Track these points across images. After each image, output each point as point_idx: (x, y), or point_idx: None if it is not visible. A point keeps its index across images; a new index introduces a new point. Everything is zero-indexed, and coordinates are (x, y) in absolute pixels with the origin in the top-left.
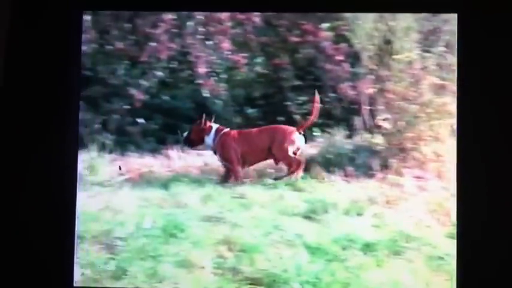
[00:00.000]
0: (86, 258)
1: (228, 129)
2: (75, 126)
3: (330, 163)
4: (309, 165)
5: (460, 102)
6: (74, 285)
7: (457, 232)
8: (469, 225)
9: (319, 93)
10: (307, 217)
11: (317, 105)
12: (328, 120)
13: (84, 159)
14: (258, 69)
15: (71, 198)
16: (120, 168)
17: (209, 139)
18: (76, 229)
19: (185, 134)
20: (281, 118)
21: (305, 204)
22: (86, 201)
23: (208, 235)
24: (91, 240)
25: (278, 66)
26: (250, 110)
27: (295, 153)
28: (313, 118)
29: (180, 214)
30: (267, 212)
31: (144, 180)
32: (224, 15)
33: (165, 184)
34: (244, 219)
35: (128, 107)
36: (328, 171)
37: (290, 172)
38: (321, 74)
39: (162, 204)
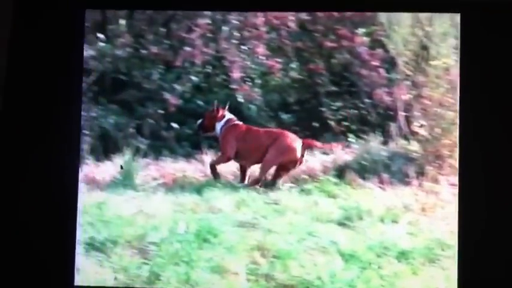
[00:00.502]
0: (119, 263)
1: (240, 122)
2: (77, 126)
3: (365, 170)
4: (343, 171)
5: (461, 101)
6: (75, 284)
7: (459, 233)
8: (470, 228)
9: (355, 98)
10: (341, 224)
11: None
12: (364, 126)
13: (118, 163)
14: (293, 74)
15: (72, 199)
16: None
17: (219, 127)
18: (109, 233)
19: (199, 120)
20: (316, 124)
21: (340, 210)
22: (119, 206)
23: (242, 241)
24: (124, 244)
25: (313, 72)
26: (284, 116)
27: (301, 162)
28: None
29: (213, 219)
30: (301, 218)
31: (177, 185)
32: (259, 20)
33: (198, 189)
34: (278, 225)
35: (162, 111)
36: (363, 177)
37: (255, 181)
38: (356, 79)
39: (195, 209)
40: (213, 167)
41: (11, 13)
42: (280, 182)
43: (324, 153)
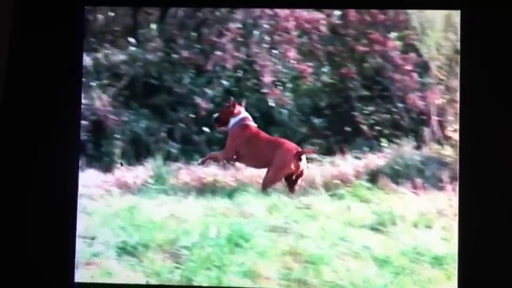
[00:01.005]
0: (151, 267)
1: (252, 124)
2: (76, 126)
3: (398, 175)
4: (376, 176)
5: (462, 100)
6: (75, 281)
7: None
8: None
9: (387, 103)
10: (374, 229)
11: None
12: (396, 131)
13: (150, 167)
14: (325, 78)
15: (72, 198)
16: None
17: (232, 122)
18: (141, 237)
19: (216, 114)
20: (348, 128)
21: (372, 215)
22: (151, 210)
23: (274, 245)
24: (156, 249)
25: (345, 76)
26: (316, 120)
27: (293, 179)
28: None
29: (245, 224)
30: (333, 223)
31: (209, 189)
32: (290, 24)
33: (230, 193)
34: (310, 230)
35: (193, 115)
36: (396, 182)
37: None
38: (388, 83)
39: (227, 213)
40: (209, 157)
41: (11, 11)
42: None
43: (356, 157)
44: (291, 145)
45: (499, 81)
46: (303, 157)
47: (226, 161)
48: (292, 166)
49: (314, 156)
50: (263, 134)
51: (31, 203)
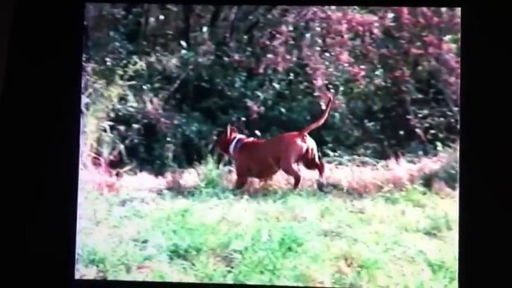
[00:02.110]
0: (204, 270)
1: (247, 140)
2: (77, 125)
3: (453, 179)
4: (431, 180)
5: (463, 99)
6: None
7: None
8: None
9: (442, 106)
10: (429, 233)
11: (328, 110)
12: (451, 134)
13: (201, 171)
14: (378, 81)
15: (72, 196)
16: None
17: (231, 149)
18: (193, 240)
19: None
20: (402, 132)
21: (427, 220)
22: (203, 213)
23: (327, 250)
24: (208, 252)
25: (398, 79)
26: (369, 124)
27: (310, 158)
28: (321, 121)
29: (297, 228)
30: (387, 228)
31: (261, 193)
32: (343, 27)
33: (282, 197)
34: (363, 235)
35: (245, 118)
36: (452, 187)
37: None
38: (443, 87)
39: (279, 217)
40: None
41: (11, 9)
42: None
43: (410, 161)
44: (290, 133)
45: (499, 79)
46: (306, 136)
47: (241, 184)
48: (299, 144)
49: (367, 159)
50: (261, 142)
51: (31, 201)
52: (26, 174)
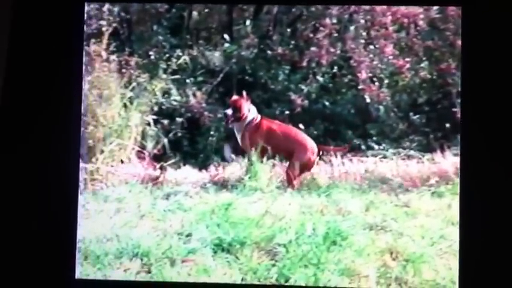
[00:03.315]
0: (248, 264)
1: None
2: (78, 122)
3: None
4: None
5: (463, 97)
6: (76, 277)
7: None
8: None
9: None
10: None
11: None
12: None
13: (245, 165)
14: (423, 74)
15: (73, 194)
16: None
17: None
18: (236, 234)
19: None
20: (447, 124)
21: None
22: (246, 207)
23: (372, 243)
24: (252, 246)
25: (444, 71)
26: (414, 117)
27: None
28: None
29: (342, 221)
30: (433, 221)
31: (304, 186)
32: (387, 19)
33: (326, 191)
34: (409, 228)
35: (288, 112)
36: None
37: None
38: None
39: (323, 211)
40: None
41: (10, 7)
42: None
43: (457, 154)
44: (310, 143)
45: (500, 77)
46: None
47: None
48: (312, 162)
49: (413, 153)
50: (281, 128)
51: (31, 199)
52: (26, 173)
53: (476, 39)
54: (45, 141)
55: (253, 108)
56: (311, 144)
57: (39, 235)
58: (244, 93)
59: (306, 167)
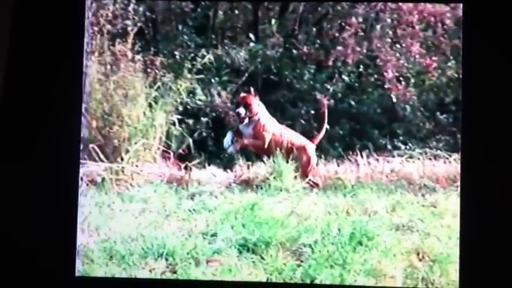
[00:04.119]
0: (273, 264)
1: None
2: (78, 120)
3: None
4: None
5: (464, 96)
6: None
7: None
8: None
9: None
10: None
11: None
12: None
13: (270, 164)
14: (450, 73)
15: (73, 192)
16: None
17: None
18: (262, 234)
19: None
20: None
21: None
22: (271, 207)
23: (398, 244)
24: (278, 246)
25: None
26: (441, 116)
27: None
28: (324, 127)
29: (368, 222)
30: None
31: (330, 186)
32: (414, 18)
33: (351, 191)
34: (436, 229)
35: (314, 112)
36: None
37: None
38: None
39: (349, 211)
40: None
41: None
42: None
43: None
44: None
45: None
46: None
47: None
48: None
49: (440, 153)
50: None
51: (32, 197)
52: (27, 172)
53: (478, 37)
54: (45, 140)
55: (262, 105)
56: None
57: (40, 233)
58: (252, 89)
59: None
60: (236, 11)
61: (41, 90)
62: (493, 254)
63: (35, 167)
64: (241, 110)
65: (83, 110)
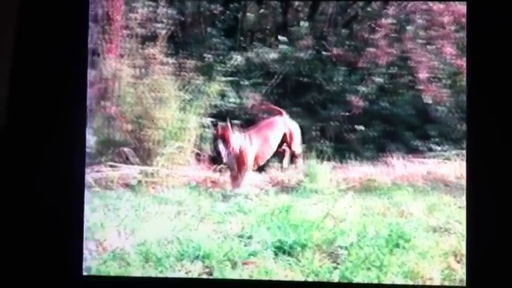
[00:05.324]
0: (310, 266)
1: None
2: (83, 121)
3: None
4: None
5: (469, 95)
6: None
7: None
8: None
9: None
10: None
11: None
12: None
13: (304, 166)
14: None
15: (79, 193)
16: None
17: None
18: (297, 236)
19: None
20: None
21: None
22: (306, 209)
23: (436, 246)
24: (314, 248)
25: None
26: None
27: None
28: None
29: (404, 224)
30: None
31: (365, 188)
32: (446, 19)
33: (387, 193)
34: None
35: (346, 113)
36: None
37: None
38: None
39: (385, 213)
40: None
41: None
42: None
43: None
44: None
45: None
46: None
47: None
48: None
49: None
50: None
51: (40, 199)
52: (31, 172)
53: (482, 34)
54: (52, 141)
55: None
56: None
57: (47, 234)
58: (228, 122)
59: None
60: (265, 13)
61: (44, 90)
62: None
63: (39, 169)
64: (221, 148)
65: (112, 113)
